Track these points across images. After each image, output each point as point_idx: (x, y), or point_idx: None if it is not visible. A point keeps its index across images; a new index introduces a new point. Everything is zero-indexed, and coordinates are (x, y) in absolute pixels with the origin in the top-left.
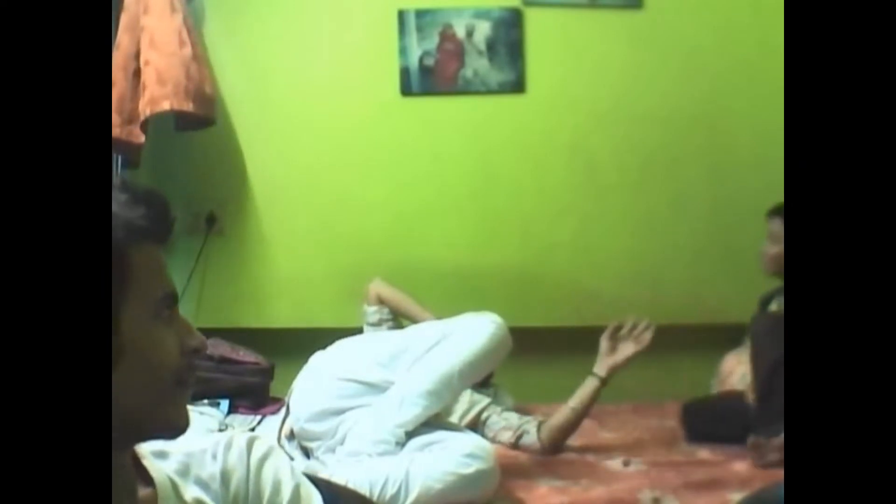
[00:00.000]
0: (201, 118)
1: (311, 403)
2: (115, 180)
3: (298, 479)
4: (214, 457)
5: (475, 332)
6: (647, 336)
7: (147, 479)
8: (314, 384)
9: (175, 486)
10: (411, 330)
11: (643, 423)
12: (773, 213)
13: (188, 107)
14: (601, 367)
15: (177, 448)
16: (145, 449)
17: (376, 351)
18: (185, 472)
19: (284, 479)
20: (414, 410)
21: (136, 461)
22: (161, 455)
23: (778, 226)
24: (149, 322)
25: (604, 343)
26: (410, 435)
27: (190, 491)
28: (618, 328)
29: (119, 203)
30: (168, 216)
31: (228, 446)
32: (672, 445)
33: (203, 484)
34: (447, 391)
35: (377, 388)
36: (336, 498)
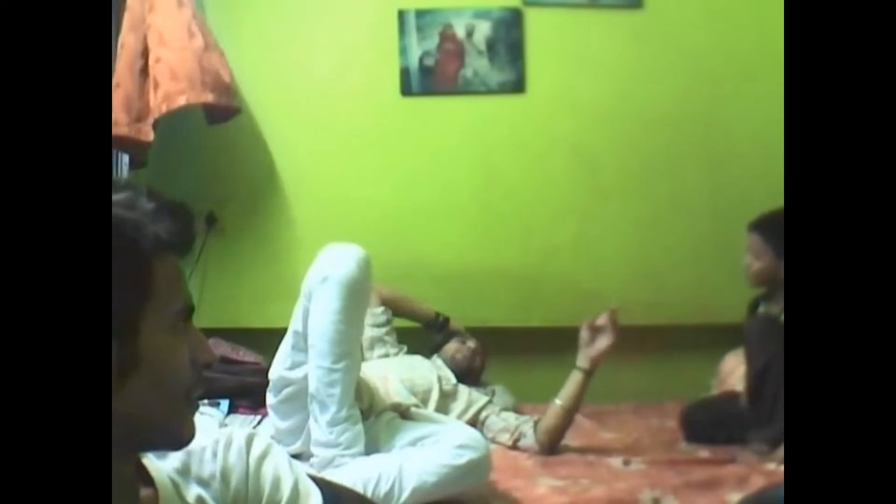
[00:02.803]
0: (223, 108)
1: (280, 426)
2: (143, 188)
3: (297, 475)
4: (214, 455)
5: (330, 285)
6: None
7: (147, 480)
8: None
9: (176, 486)
10: (295, 312)
11: (643, 423)
12: (751, 227)
13: (207, 98)
14: (583, 359)
15: None
16: None
17: (286, 355)
18: (185, 471)
19: (284, 476)
20: (334, 393)
21: (137, 461)
22: (160, 455)
23: (757, 241)
24: (166, 333)
25: (583, 333)
26: (401, 432)
27: (191, 490)
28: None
29: (145, 213)
30: (192, 229)
31: (228, 444)
32: (672, 445)
33: (204, 482)
34: (346, 346)
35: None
36: (337, 497)
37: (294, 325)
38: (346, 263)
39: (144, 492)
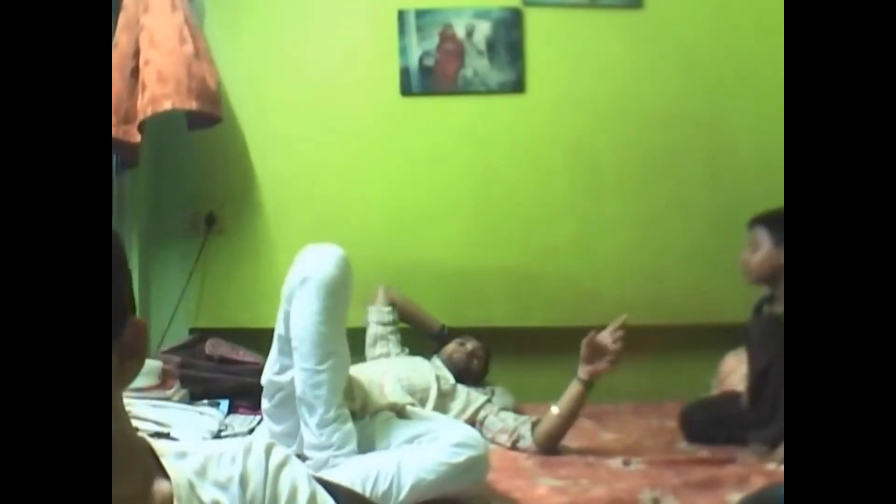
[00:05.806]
0: (207, 116)
1: (275, 430)
2: None
3: (314, 486)
4: (233, 460)
5: (309, 286)
6: (619, 346)
7: (165, 476)
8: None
9: (193, 487)
10: (278, 316)
11: (643, 423)
12: (755, 221)
13: (191, 105)
14: (584, 371)
15: (197, 449)
16: (167, 449)
17: (273, 360)
18: (203, 473)
19: (301, 486)
20: (321, 394)
21: (156, 459)
22: (181, 455)
23: (760, 234)
24: None
25: (584, 349)
26: (397, 430)
27: (207, 492)
28: (598, 332)
29: None
30: None
31: (248, 451)
32: (672, 445)
33: (221, 485)
34: (329, 346)
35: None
36: (337, 499)
37: (278, 329)
38: (324, 264)
39: (162, 484)
